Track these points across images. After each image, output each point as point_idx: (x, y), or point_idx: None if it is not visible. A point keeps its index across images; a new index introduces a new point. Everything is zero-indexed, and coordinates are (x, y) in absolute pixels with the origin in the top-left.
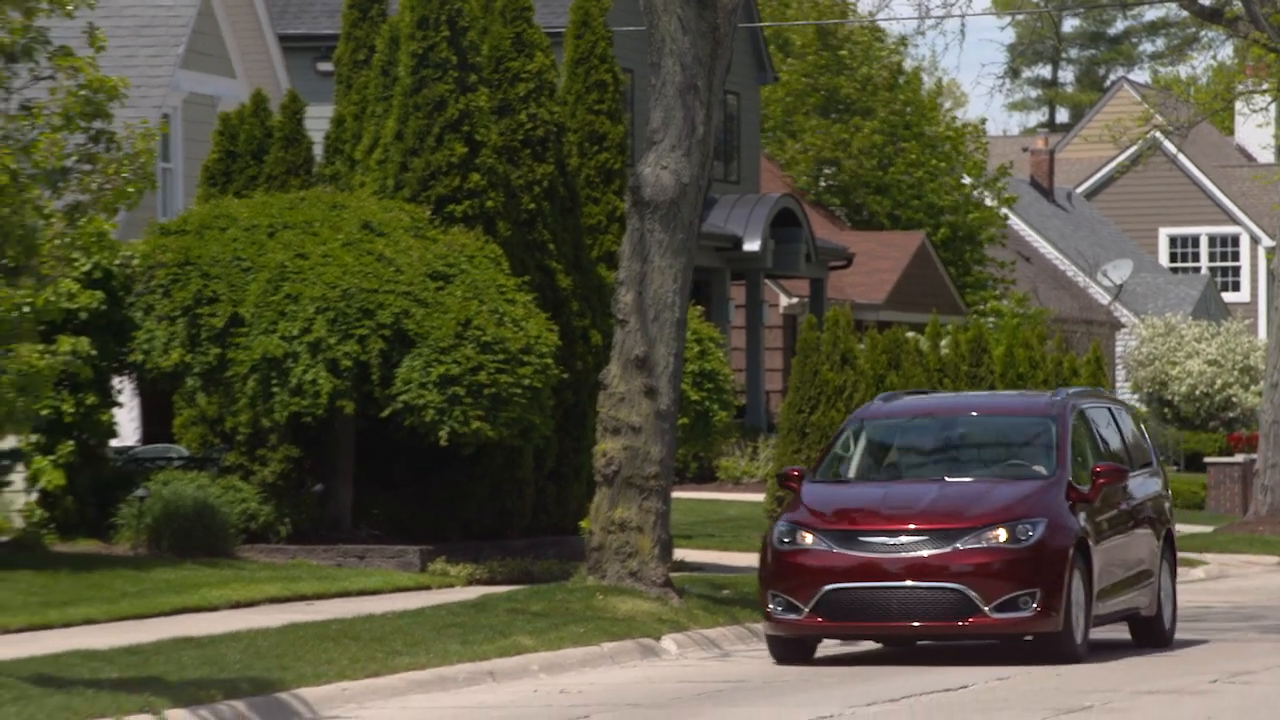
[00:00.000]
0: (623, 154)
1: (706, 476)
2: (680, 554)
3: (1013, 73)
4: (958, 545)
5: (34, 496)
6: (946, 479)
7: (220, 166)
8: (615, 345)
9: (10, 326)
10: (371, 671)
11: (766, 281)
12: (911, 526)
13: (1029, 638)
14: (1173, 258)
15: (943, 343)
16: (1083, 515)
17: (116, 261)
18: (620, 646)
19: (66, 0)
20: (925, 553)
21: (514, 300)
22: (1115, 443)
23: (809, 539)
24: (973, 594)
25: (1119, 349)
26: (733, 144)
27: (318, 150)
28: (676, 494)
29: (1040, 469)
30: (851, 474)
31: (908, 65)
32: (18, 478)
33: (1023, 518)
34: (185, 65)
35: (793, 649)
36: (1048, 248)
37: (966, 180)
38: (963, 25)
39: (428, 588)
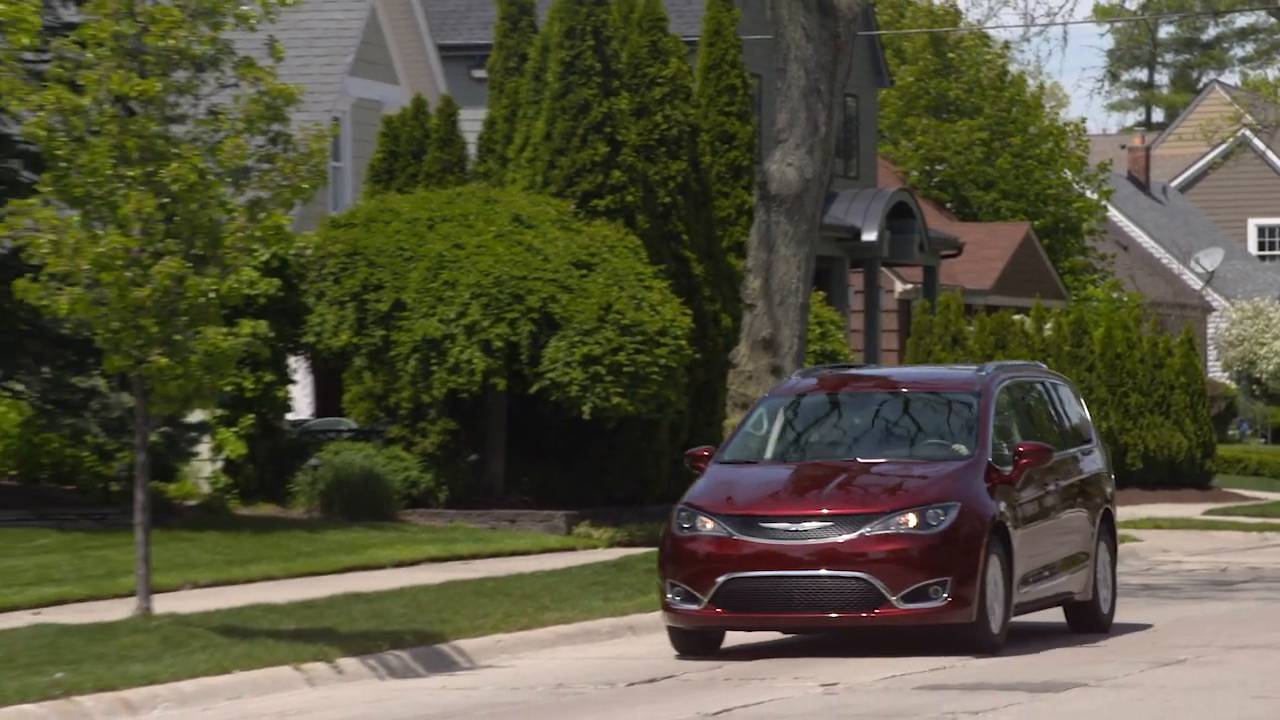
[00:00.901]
0: (751, 152)
1: None
2: None
3: (1112, 76)
4: (865, 531)
5: (219, 465)
6: (859, 460)
7: (384, 165)
8: (744, 328)
9: (198, 311)
10: (523, 625)
11: (883, 269)
12: (816, 512)
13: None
14: (1261, 246)
15: (1046, 325)
16: (1003, 498)
17: (292, 252)
18: None
19: (249, 15)
20: (830, 540)
21: (651, 287)
22: (1048, 420)
23: (709, 525)
24: (880, 584)
25: (1210, 331)
26: (852, 143)
27: (471, 150)
28: None
29: (961, 449)
30: (763, 455)
31: (1013, 69)
32: (204, 448)
33: (934, 502)
34: (354, 73)
35: (694, 641)
36: (1144, 237)
37: (1067, 174)
38: (1065, 32)
39: (572, 549)
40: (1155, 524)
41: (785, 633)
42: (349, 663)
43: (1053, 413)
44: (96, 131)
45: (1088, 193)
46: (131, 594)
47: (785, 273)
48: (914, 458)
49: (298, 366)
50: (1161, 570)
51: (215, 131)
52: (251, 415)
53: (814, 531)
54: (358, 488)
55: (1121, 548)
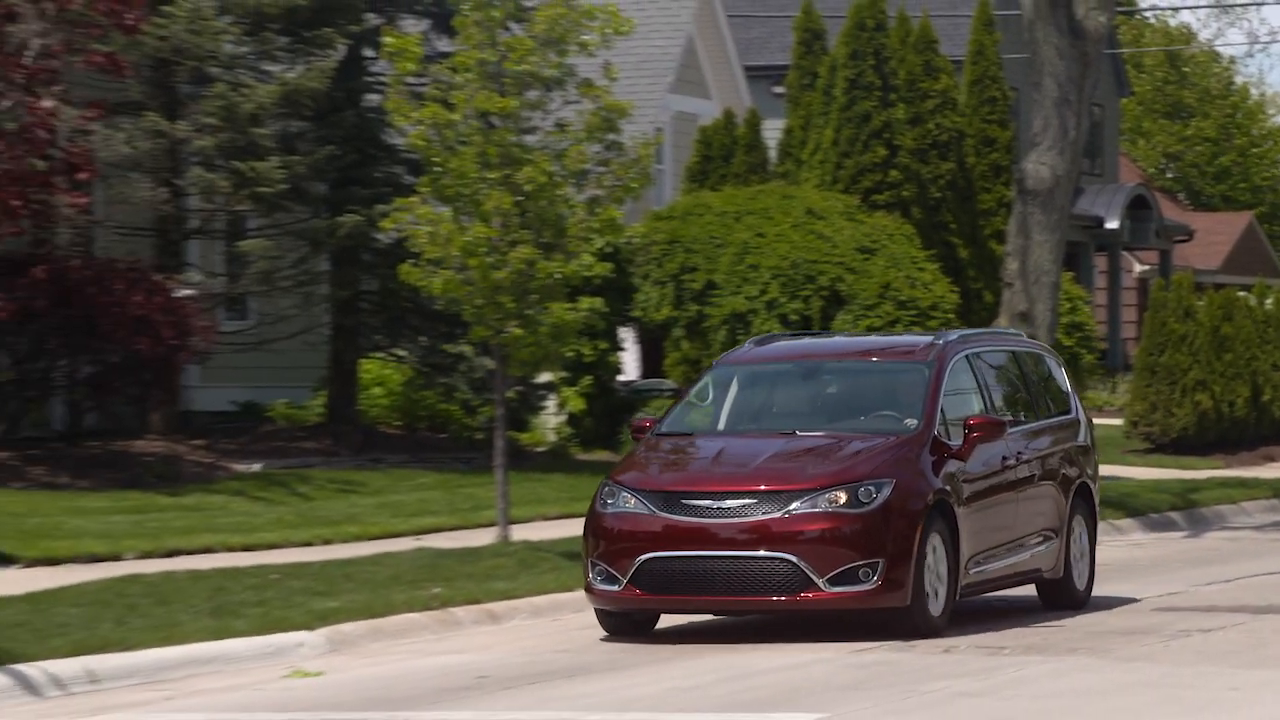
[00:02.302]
0: (1009, 154)
1: None
2: None
3: None
4: (791, 509)
5: (563, 418)
6: (797, 433)
7: (699, 167)
8: (1003, 303)
9: (547, 290)
10: None
11: (1123, 252)
12: (741, 488)
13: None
14: None
15: (1267, 300)
16: (950, 473)
17: (622, 240)
18: None
19: (589, 43)
20: (754, 518)
21: (924, 268)
22: (1014, 391)
23: (630, 501)
24: (806, 565)
25: None
26: (1097, 144)
27: (771, 154)
28: None
29: (911, 421)
30: (702, 426)
31: (1238, 81)
32: (551, 404)
33: (866, 478)
34: (673, 90)
35: (621, 623)
36: None
37: None
38: None
39: None
40: None
41: (715, 615)
42: None
43: (1023, 383)
44: (464, 142)
45: None
46: (492, 524)
47: (1039, 256)
48: (856, 430)
49: (626, 336)
50: None
51: (561, 141)
52: (589, 376)
53: (737, 509)
54: None
55: None
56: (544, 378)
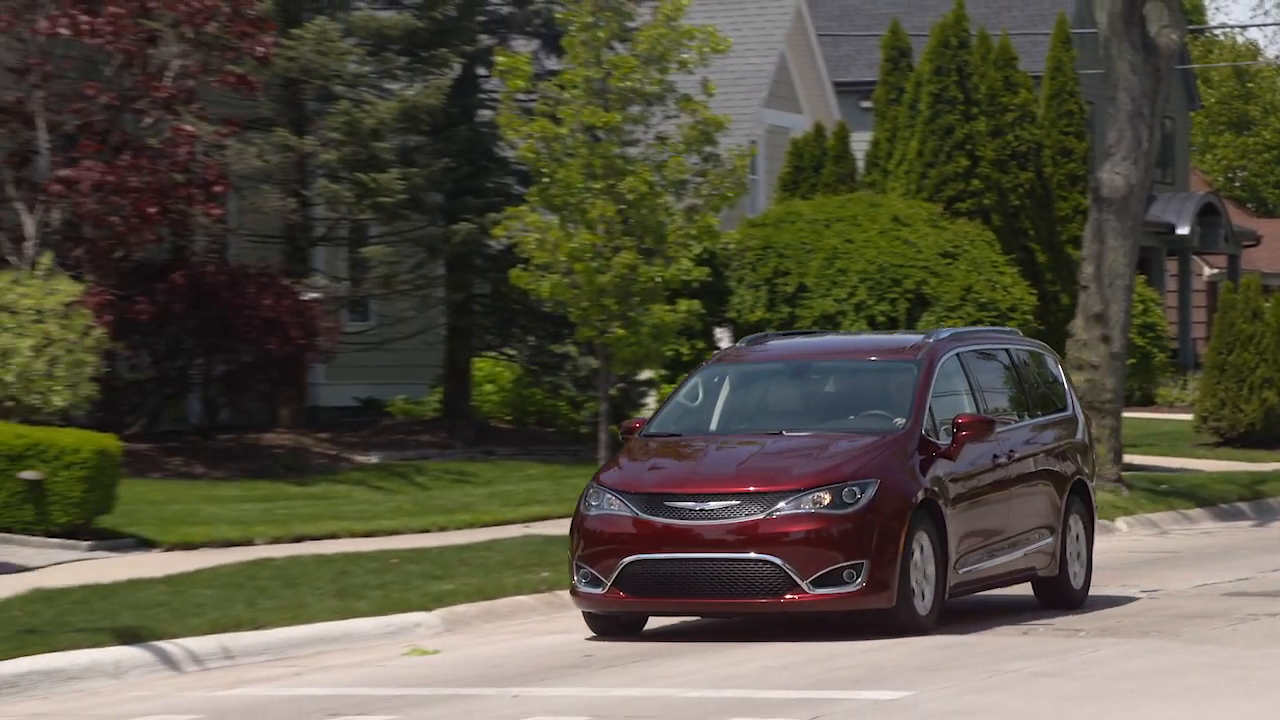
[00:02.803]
0: (1085, 164)
1: (1147, 401)
2: (1128, 458)
3: None
4: (775, 511)
5: None
6: (784, 433)
7: (790, 177)
8: (1079, 305)
9: (648, 293)
10: None
11: (1193, 257)
12: (726, 489)
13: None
14: None
15: None
16: (938, 473)
17: (718, 246)
18: None
19: (688, 61)
20: (738, 520)
21: (1003, 272)
22: (1008, 389)
23: (614, 504)
24: (789, 567)
25: None
26: (1168, 155)
27: (859, 165)
28: (1125, 414)
29: (899, 420)
30: (691, 427)
31: None
32: (651, 400)
33: (850, 479)
34: (767, 105)
35: (610, 624)
36: None
37: None
38: None
39: None
40: None
41: (704, 617)
42: None
43: (1018, 382)
44: (571, 154)
45: None
46: None
47: (1113, 260)
48: (843, 430)
49: (722, 336)
50: None
51: (661, 152)
52: (686, 375)
53: (720, 510)
54: None
55: None
56: (645, 375)
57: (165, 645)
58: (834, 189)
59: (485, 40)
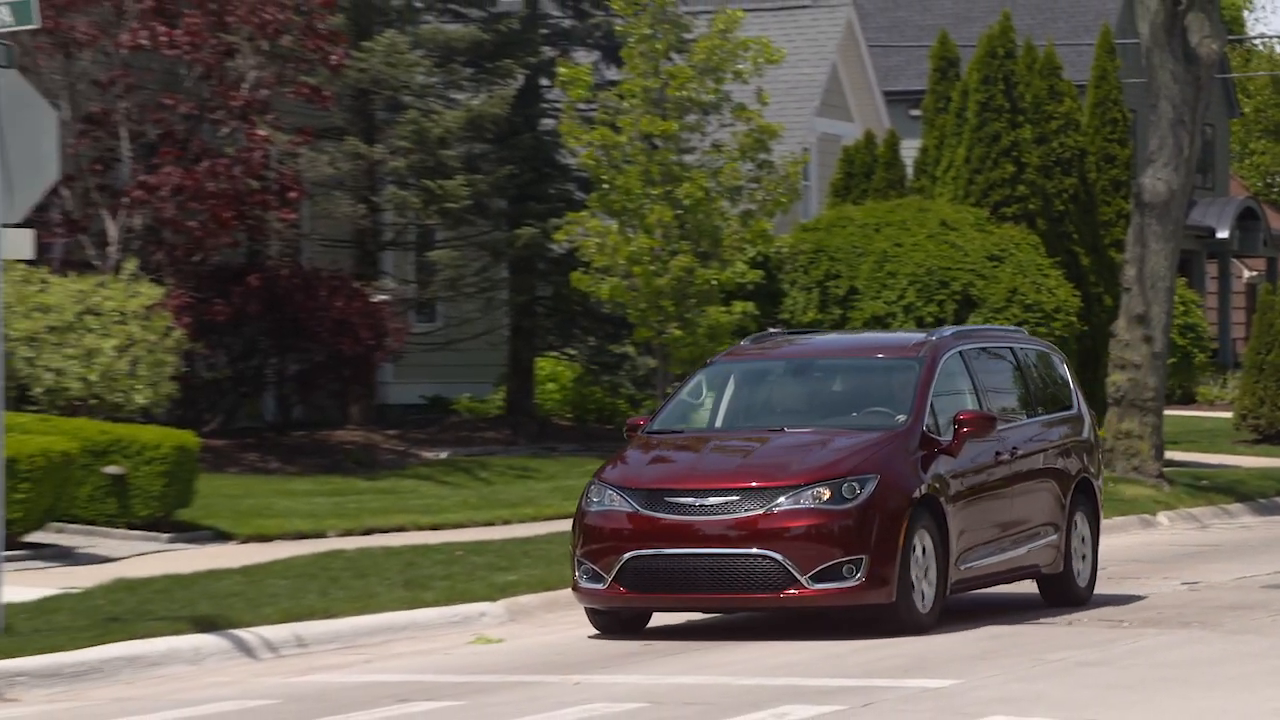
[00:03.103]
0: (1128, 170)
1: (1188, 399)
2: (1169, 455)
3: None
4: (774, 506)
5: None
6: (785, 430)
7: (841, 184)
8: (1122, 306)
9: (704, 295)
10: None
11: (1233, 260)
12: (726, 485)
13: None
14: None
15: None
16: (940, 470)
17: (772, 250)
18: (1126, 520)
19: (743, 72)
20: (738, 515)
21: (1048, 275)
22: (1010, 387)
23: (615, 500)
24: (789, 563)
25: None
26: (1209, 161)
27: (908, 171)
28: (1166, 412)
29: (900, 417)
30: (693, 424)
31: None
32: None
33: (850, 474)
34: (819, 114)
35: (610, 621)
36: None
37: None
38: None
39: None
40: None
41: (704, 612)
42: None
43: (1022, 379)
44: (630, 161)
45: None
46: None
47: (1155, 263)
48: (844, 427)
49: None
50: None
51: (717, 159)
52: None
53: (721, 506)
54: None
55: None
56: None
57: (241, 633)
58: (884, 195)
59: (547, 52)
